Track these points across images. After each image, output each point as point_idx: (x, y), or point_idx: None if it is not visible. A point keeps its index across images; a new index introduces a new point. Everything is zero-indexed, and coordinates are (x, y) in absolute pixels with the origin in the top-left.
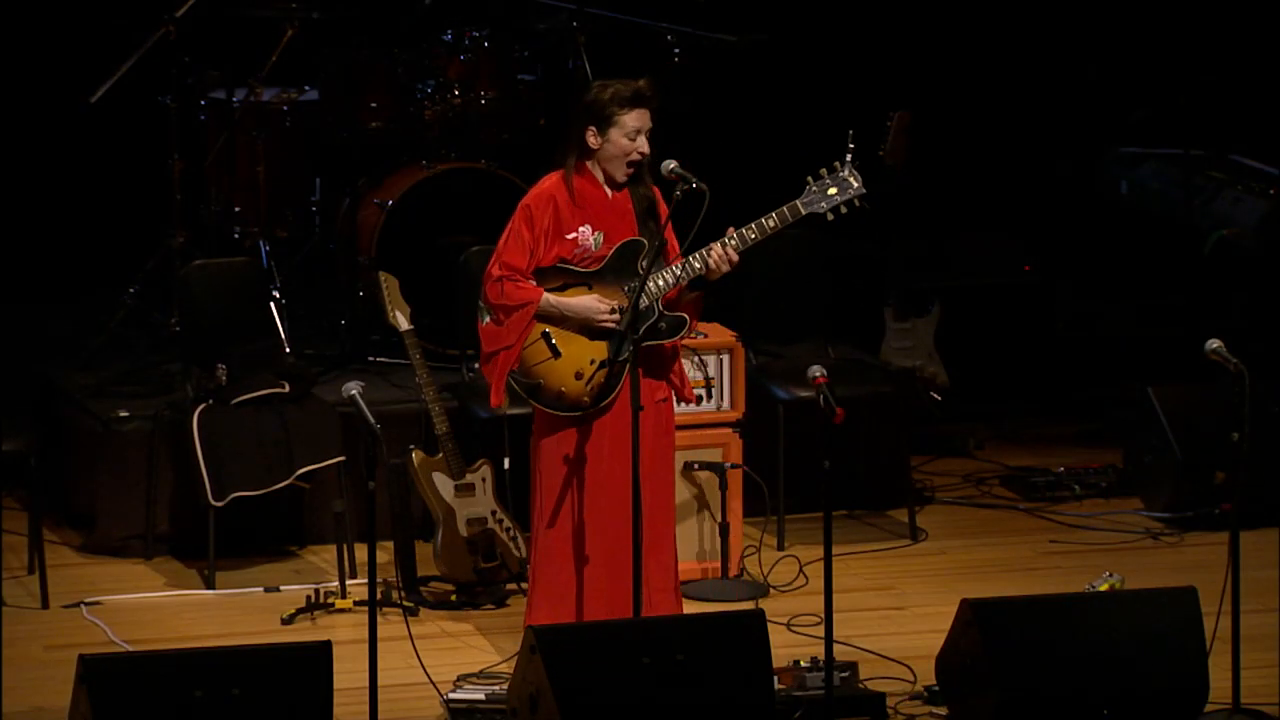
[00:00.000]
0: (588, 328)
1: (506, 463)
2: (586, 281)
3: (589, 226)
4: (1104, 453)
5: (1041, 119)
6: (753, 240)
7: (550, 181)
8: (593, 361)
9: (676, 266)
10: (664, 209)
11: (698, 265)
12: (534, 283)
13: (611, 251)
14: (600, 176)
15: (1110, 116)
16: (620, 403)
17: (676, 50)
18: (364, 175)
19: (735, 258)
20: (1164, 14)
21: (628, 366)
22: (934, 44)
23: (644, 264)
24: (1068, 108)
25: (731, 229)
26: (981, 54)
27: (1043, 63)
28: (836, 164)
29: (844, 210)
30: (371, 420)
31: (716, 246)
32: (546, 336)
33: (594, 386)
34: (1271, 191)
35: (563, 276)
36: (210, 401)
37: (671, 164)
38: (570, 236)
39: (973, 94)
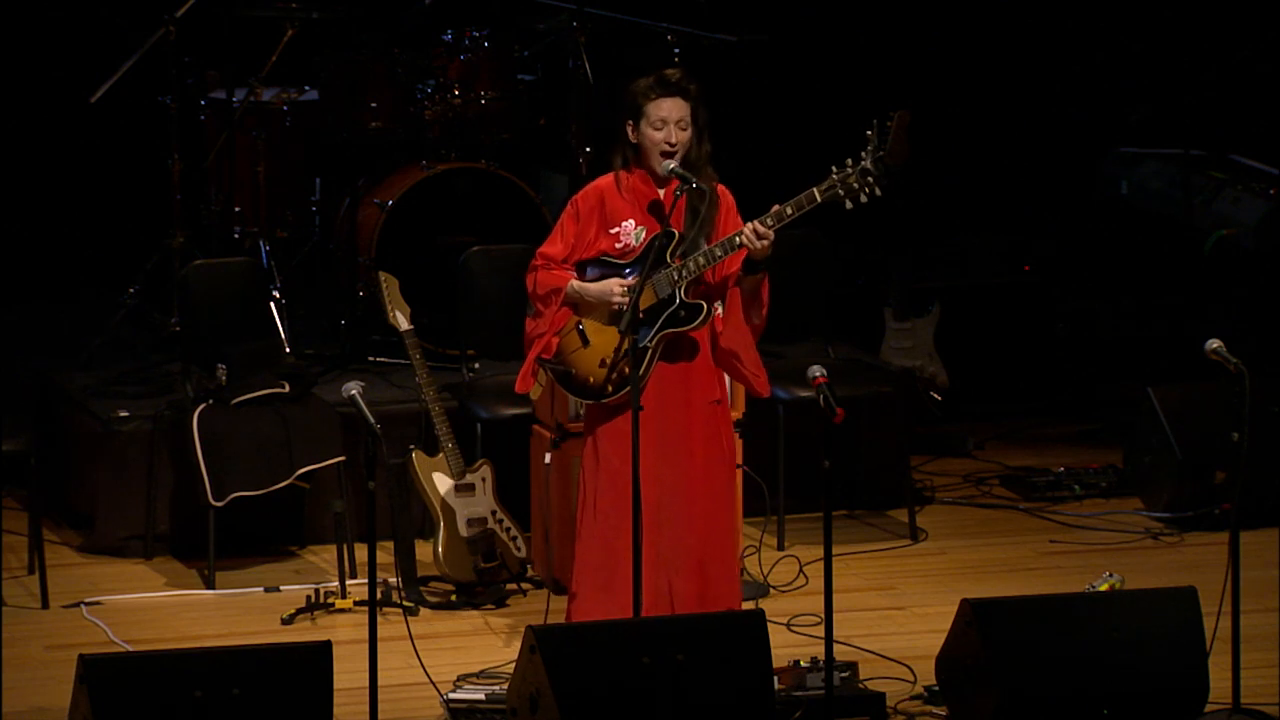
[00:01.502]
0: (614, 317)
1: (548, 457)
2: (622, 272)
3: (633, 221)
4: (1104, 453)
5: (1041, 119)
6: (773, 226)
7: (603, 179)
8: (617, 350)
9: (701, 255)
10: (730, 204)
11: (719, 253)
12: (571, 271)
13: (645, 243)
14: (651, 174)
15: (1110, 116)
16: (661, 402)
17: (676, 50)
18: (364, 175)
19: (765, 231)
20: (1164, 14)
21: (649, 356)
22: (934, 44)
23: (654, 257)
24: (1068, 108)
25: (776, 205)
26: (981, 54)
27: (1042, 63)
28: (862, 154)
29: (864, 199)
30: (371, 420)
31: (747, 226)
32: (579, 326)
33: (617, 374)
34: (1271, 191)
35: (600, 268)
36: (210, 401)
37: (671, 164)
38: (614, 231)
39: (972, 94)
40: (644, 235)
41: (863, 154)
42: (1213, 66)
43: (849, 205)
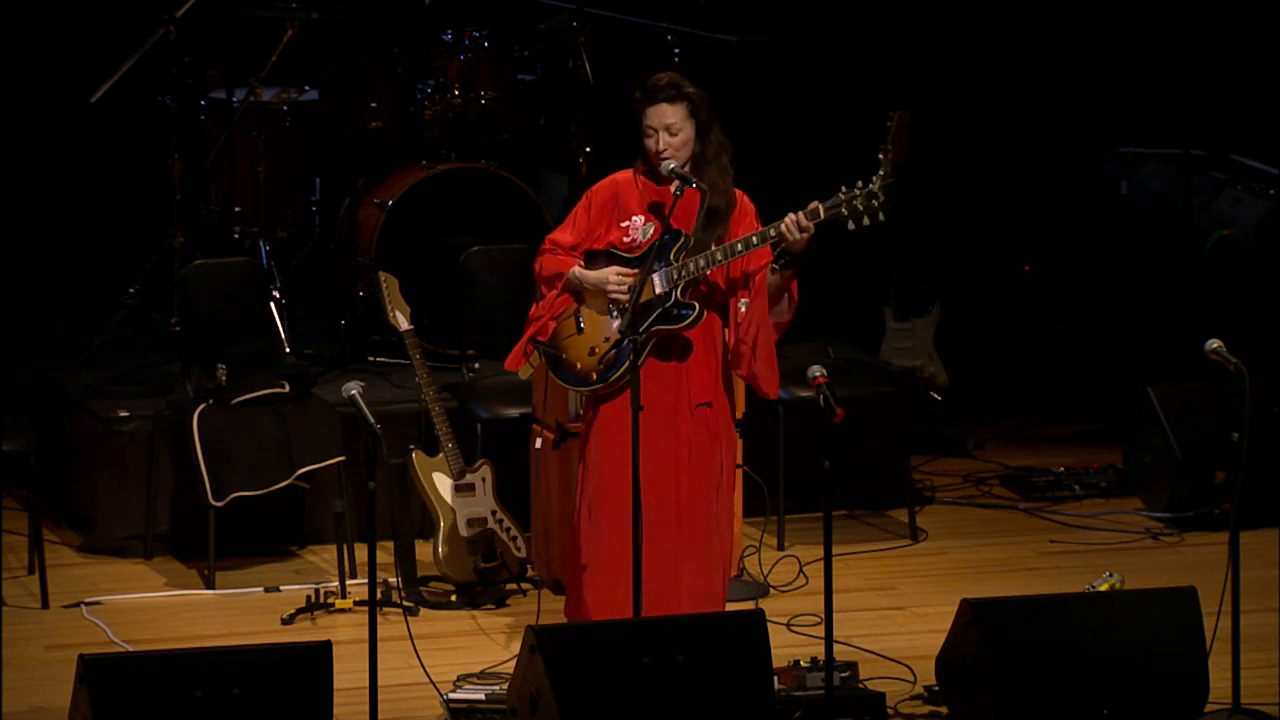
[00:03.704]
0: (612, 309)
1: (539, 442)
2: (627, 265)
3: (641, 218)
4: (1104, 453)
5: (1041, 119)
6: (812, 220)
7: (622, 172)
8: (607, 339)
9: (702, 257)
10: (747, 210)
11: (720, 257)
12: (576, 258)
13: (653, 240)
14: (656, 175)
15: (1110, 116)
16: (650, 400)
17: (676, 50)
18: (364, 175)
19: (808, 224)
20: (1164, 14)
21: (642, 350)
22: (934, 44)
23: (655, 254)
24: (1068, 108)
25: (815, 203)
26: (981, 54)
27: (1042, 63)
28: (874, 178)
29: (866, 223)
30: (371, 420)
31: (788, 216)
32: (577, 314)
33: (604, 363)
34: (1271, 191)
35: (607, 260)
36: (210, 401)
37: (671, 164)
38: (624, 224)
39: (972, 94)
40: (651, 232)
41: (874, 178)
42: (1213, 66)
43: (851, 226)
